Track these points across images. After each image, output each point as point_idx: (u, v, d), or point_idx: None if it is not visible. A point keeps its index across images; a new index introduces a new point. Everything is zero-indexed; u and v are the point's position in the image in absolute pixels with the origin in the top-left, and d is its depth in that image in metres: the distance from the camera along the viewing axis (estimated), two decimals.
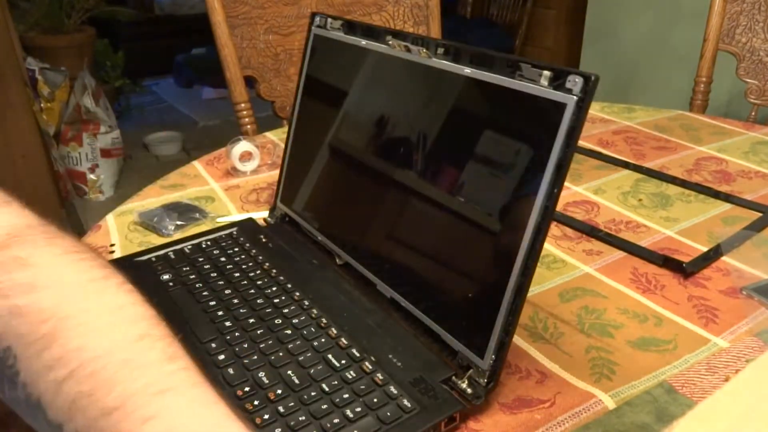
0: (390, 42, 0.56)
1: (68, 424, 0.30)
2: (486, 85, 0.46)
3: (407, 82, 0.55)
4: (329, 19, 0.65)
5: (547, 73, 0.42)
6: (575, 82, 0.40)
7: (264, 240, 0.66)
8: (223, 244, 0.65)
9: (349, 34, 0.63)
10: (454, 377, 0.46)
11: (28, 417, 0.33)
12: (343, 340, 0.50)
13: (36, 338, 0.31)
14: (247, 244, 0.65)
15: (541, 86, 0.42)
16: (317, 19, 0.67)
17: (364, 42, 0.60)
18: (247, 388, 0.45)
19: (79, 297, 0.34)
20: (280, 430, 0.41)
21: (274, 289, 0.57)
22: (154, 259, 0.63)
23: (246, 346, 0.50)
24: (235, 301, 0.55)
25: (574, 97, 0.40)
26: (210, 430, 0.29)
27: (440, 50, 0.51)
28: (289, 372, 0.46)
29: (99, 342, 0.31)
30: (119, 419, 0.28)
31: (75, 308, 0.33)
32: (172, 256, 0.63)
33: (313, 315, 0.53)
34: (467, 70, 0.48)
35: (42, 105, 2.26)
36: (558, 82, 0.41)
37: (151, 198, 0.80)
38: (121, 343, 0.32)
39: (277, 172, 0.74)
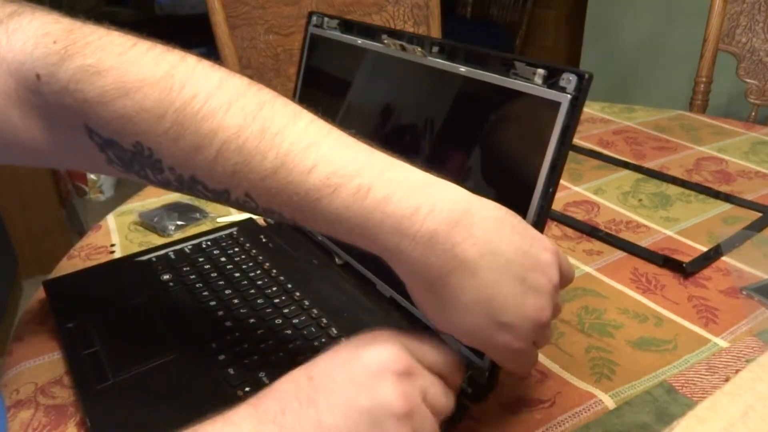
0: (386, 41, 0.56)
1: (235, 189, 0.36)
2: (481, 84, 0.46)
3: (403, 81, 0.55)
4: (326, 18, 0.65)
5: (541, 71, 0.42)
6: (569, 80, 0.40)
7: (264, 240, 0.66)
8: (224, 244, 0.65)
9: (345, 34, 0.63)
10: None
11: (184, 189, 0.38)
12: (344, 340, 0.50)
13: (164, 130, 0.34)
14: (247, 244, 0.65)
15: (535, 84, 0.42)
16: (314, 18, 0.67)
17: (360, 41, 0.60)
18: (248, 389, 0.45)
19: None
20: None
21: (274, 289, 0.57)
22: (154, 259, 0.63)
23: (246, 346, 0.50)
24: (236, 301, 0.55)
25: (569, 95, 0.40)
26: (364, 163, 0.34)
27: (435, 49, 0.51)
28: None
29: (228, 121, 0.34)
30: (286, 175, 0.34)
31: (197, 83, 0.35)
32: (173, 256, 0.63)
33: (314, 315, 0.53)
34: (462, 69, 0.48)
35: None
36: (552, 80, 0.41)
37: (152, 198, 0.80)
38: (250, 115, 0.35)
39: None
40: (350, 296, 0.56)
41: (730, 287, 0.60)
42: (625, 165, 0.89)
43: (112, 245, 0.69)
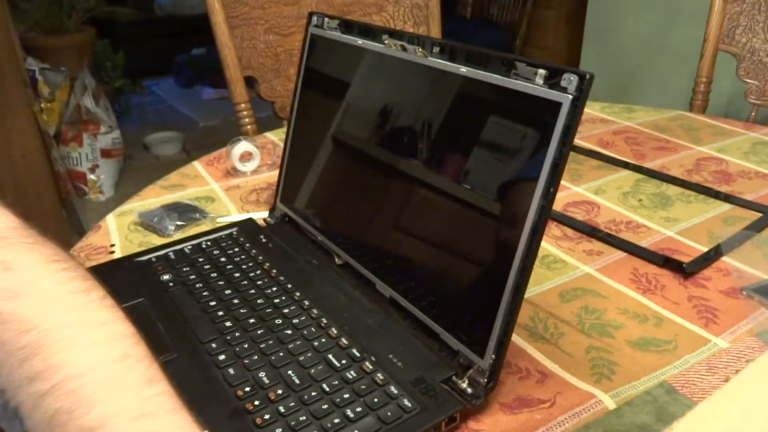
0: (386, 41, 0.56)
1: None
2: (482, 84, 0.46)
3: (404, 82, 0.55)
4: (326, 19, 0.65)
5: (542, 71, 0.42)
6: (570, 81, 0.40)
7: (264, 240, 0.66)
8: (223, 244, 0.65)
9: (346, 34, 0.63)
10: (454, 377, 0.46)
11: (4, 421, 0.33)
12: (344, 340, 0.50)
13: (17, 348, 0.32)
14: (247, 245, 0.65)
15: (536, 85, 0.42)
16: (314, 18, 0.67)
17: (360, 41, 0.60)
18: (247, 388, 0.45)
19: (60, 310, 0.33)
20: (280, 430, 0.41)
21: (274, 289, 0.57)
22: (154, 259, 0.63)
23: (246, 346, 0.50)
24: (236, 301, 0.55)
25: (570, 95, 0.40)
26: None
27: (436, 49, 0.51)
28: (290, 372, 0.46)
29: (81, 359, 0.32)
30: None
31: (57, 321, 0.33)
32: (173, 257, 0.63)
33: (314, 315, 0.53)
34: (463, 69, 0.48)
35: (42, 105, 2.26)
36: (553, 80, 0.41)
37: (152, 198, 0.80)
38: (103, 361, 0.32)
39: (277, 172, 0.74)
40: (350, 296, 0.56)
41: (730, 287, 0.60)
42: (625, 165, 0.89)
43: (112, 245, 0.69)
